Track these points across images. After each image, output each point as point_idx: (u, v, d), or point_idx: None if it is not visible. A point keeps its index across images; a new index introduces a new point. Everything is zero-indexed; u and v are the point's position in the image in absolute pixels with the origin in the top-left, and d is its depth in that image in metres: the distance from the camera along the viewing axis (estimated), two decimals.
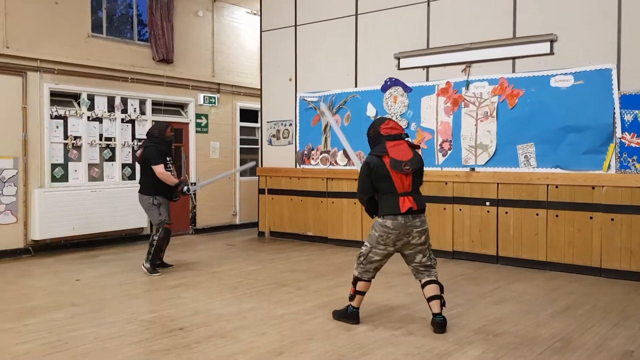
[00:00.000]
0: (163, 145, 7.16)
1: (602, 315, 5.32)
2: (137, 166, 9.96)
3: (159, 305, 5.67)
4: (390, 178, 4.73)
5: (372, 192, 4.87)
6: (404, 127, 8.58)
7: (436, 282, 4.86)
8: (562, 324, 5.05)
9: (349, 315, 5.05)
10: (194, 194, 7.41)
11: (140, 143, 9.96)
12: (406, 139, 4.94)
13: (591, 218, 7.12)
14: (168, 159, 7.22)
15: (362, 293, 5.03)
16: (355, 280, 4.99)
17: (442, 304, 4.84)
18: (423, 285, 4.88)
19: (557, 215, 7.37)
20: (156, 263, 7.17)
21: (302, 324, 5.02)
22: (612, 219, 6.97)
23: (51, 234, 8.69)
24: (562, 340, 4.59)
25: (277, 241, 10.08)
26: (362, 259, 4.93)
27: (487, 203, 7.91)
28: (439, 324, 4.80)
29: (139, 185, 7.29)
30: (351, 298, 5.04)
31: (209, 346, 4.43)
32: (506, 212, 7.76)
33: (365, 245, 4.93)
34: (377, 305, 5.60)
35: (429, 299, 4.84)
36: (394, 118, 8.75)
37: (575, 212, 7.23)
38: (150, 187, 7.08)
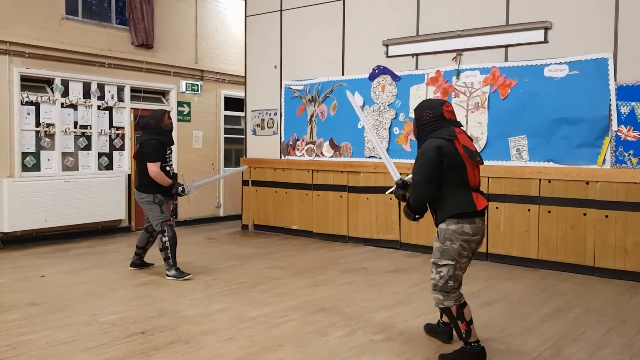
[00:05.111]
0: (162, 136, 6.47)
1: (596, 319, 4.99)
2: (115, 155, 9.64)
3: (123, 306, 5.30)
4: (465, 168, 3.93)
5: (439, 184, 3.94)
6: (391, 117, 8.29)
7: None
8: (553, 329, 4.73)
9: (476, 355, 3.99)
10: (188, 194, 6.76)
11: (118, 131, 9.61)
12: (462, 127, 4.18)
13: (585, 214, 6.79)
14: (168, 151, 6.55)
15: (472, 321, 4.00)
16: (459, 314, 3.94)
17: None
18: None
19: (549, 212, 7.04)
20: (176, 265, 6.40)
21: (274, 328, 4.68)
22: (607, 216, 6.64)
23: (21, 226, 8.28)
24: (552, 348, 4.27)
25: (260, 235, 9.72)
26: (450, 283, 3.92)
27: None
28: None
29: (137, 182, 6.66)
30: (466, 335, 3.97)
31: (170, 353, 4.08)
32: (497, 208, 7.43)
33: (444, 265, 3.93)
34: (357, 307, 5.27)
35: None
36: (381, 108, 8.39)
37: (569, 208, 6.90)
38: (150, 184, 6.39)
